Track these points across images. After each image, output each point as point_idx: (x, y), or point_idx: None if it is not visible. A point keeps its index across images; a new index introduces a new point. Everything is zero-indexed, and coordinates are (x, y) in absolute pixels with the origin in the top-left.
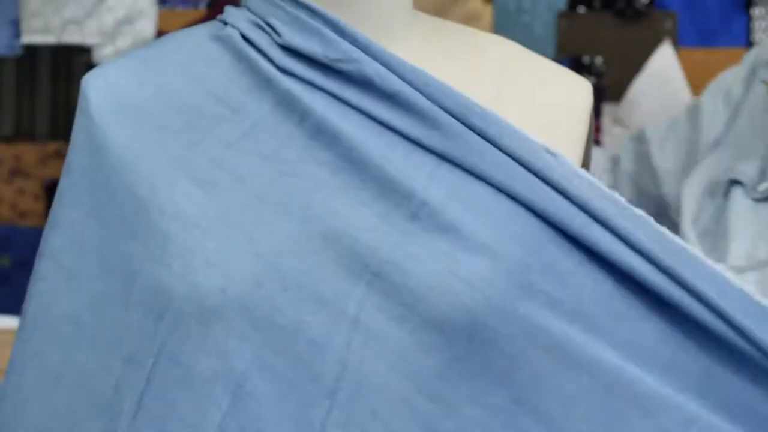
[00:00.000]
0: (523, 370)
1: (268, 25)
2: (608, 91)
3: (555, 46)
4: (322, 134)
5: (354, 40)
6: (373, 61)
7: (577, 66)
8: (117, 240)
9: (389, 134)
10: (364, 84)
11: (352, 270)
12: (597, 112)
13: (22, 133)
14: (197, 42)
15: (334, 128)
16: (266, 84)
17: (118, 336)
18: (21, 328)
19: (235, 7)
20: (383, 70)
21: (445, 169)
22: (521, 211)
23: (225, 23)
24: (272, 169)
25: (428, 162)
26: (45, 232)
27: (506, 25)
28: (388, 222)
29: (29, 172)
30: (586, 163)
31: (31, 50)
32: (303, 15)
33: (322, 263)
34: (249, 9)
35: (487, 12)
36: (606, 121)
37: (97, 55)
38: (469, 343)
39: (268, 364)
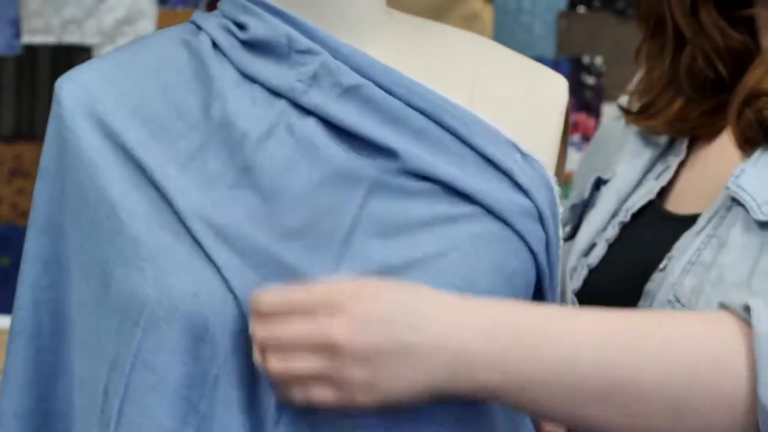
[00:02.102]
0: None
1: (236, 24)
2: (608, 91)
3: (555, 46)
4: (258, 157)
5: (323, 41)
6: (339, 59)
7: (577, 66)
8: (92, 244)
9: (335, 150)
10: (328, 78)
11: (321, 270)
12: (597, 112)
13: (22, 133)
14: (168, 47)
15: (269, 152)
16: (218, 99)
17: (103, 341)
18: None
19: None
20: (347, 67)
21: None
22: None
23: (199, 28)
24: (215, 193)
25: (367, 182)
26: (26, 236)
27: (506, 25)
28: (321, 250)
29: (29, 172)
30: (561, 160)
31: (31, 50)
32: (270, 16)
33: (285, 269)
34: (221, 12)
35: (487, 12)
36: (606, 121)
37: (97, 55)
38: None
39: (236, 371)
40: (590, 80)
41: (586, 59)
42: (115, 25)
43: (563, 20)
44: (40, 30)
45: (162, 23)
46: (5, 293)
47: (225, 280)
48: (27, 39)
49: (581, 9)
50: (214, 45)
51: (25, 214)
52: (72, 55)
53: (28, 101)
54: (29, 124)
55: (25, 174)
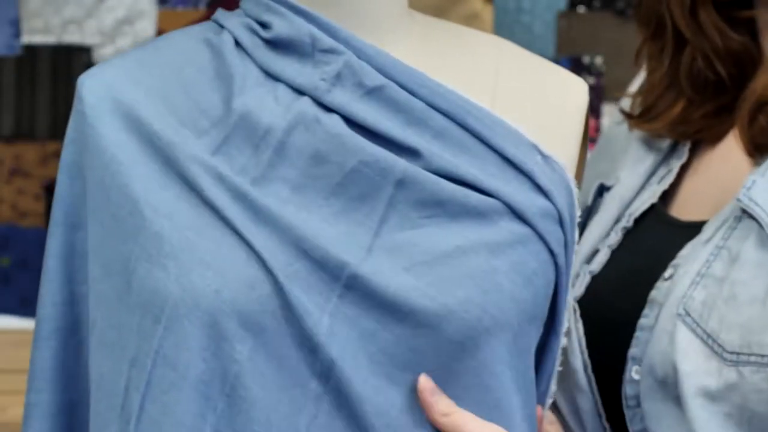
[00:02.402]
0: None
1: (259, 23)
2: (608, 91)
3: (555, 46)
4: (285, 150)
5: (346, 41)
6: (362, 59)
7: (577, 66)
8: (114, 240)
9: (363, 142)
10: (351, 78)
11: (325, 282)
12: (597, 112)
13: (22, 133)
14: (190, 45)
15: (296, 144)
16: (241, 96)
17: (124, 338)
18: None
19: (228, 11)
20: (370, 67)
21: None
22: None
23: (221, 26)
24: (243, 185)
25: (398, 171)
26: (50, 233)
27: (506, 25)
28: (351, 239)
29: (29, 172)
30: (581, 163)
31: (31, 50)
32: (294, 15)
33: (297, 274)
34: (244, 11)
35: (487, 12)
36: (606, 120)
37: (97, 55)
38: (437, 358)
39: (259, 368)
40: (590, 80)
41: (586, 59)
42: (115, 25)
43: (563, 20)
44: (40, 30)
45: (162, 23)
46: (5, 293)
47: (248, 277)
48: (27, 39)
49: (581, 9)
50: (237, 44)
51: (25, 214)
52: (72, 55)
53: (28, 101)
54: (29, 124)
55: (25, 174)
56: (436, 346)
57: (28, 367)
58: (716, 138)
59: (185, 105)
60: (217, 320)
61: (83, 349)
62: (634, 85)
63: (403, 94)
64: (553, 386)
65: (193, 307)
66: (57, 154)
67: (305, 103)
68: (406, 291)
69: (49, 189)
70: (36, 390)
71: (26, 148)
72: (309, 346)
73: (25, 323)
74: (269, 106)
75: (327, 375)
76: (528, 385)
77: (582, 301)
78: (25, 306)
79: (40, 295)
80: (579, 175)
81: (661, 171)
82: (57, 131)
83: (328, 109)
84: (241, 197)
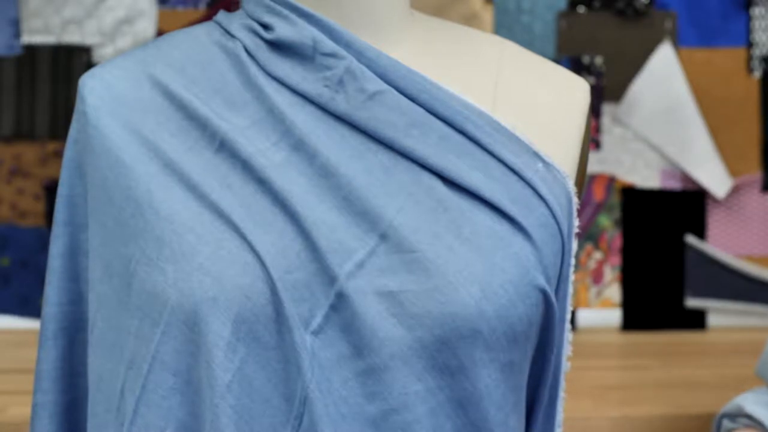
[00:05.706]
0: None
1: (261, 24)
2: (608, 91)
3: (555, 46)
4: (300, 151)
5: (347, 44)
6: (363, 63)
7: (577, 66)
8: (116, 242)
9: (373, 148)
10: (353, 84)
11: (322, 291)
12: (597, 112)
13: (22, 133)
14: (194, 44)
15: (312, 146)
16: (256, 96)
17: (122, 340)
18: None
19: (228, 12)
20: (371, 72)
21: (428, 177)
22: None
23: (227, 31)
24: (254, 182)
25: (407, 179)
26: (54, 233)
27: (506, 25)
28: (358, 244)
29: (29, 172)
30: (582, 164)
31: (31, 50)
32: (296, 17)
33: (295, 284)
34: (245, 12)
35: (487, 12)
36: (606, 120)
37: (97, 55)
38: (421, 376)
39: (249, 378)
40: (590, 80)
41: (586, 59)
42: (115, 25)
43: (563, 20)
44: (40, 30)
45: (162, 23)
46: (5, 293)
47: (245, 286)
48: (27, 39)
49: (581, 9)
50: (245, 49)
51: (25, 214)
52: (72, 55)
53: (28, 101)
54: (29, 124)
55: (25, 174)
56: (424, 367)
57: (35, 366)
58: None
59: (191, 101)
60: (212, 328)
61: (88, 347)
62: (633, 86)
63: (404, 101)
64: (560, 414)
65: (190, 313)
66: (57, 154)
67: (304, 123)
68: (383, 319)
69: (49, 189)
70: (43, 390)
71: (26, 147)
72: (296, 363)
73: (25, 323)
74: (283, 103)
75: (305, 398)
76: (518, 402)
77: None
78: (25, 306)
79: (45, 294)
80: (581, 176)
81: None
82: (57, 131)
83: (333, 115)
84: (251, 195)
